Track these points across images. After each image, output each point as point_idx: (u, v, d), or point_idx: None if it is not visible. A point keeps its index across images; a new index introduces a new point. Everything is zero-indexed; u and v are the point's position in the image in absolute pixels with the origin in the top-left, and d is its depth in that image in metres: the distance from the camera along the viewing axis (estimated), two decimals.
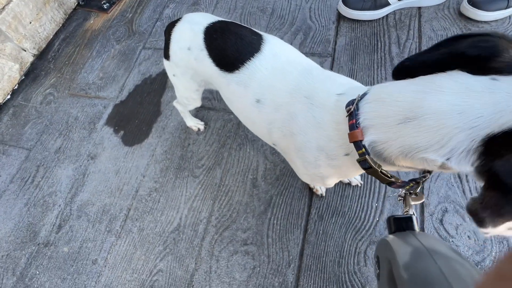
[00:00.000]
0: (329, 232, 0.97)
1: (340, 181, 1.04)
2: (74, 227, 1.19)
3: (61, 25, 1.92)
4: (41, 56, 1.81)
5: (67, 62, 1.74)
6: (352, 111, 0.45)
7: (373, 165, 0.44)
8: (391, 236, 0.46)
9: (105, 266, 1.09)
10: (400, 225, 0.47)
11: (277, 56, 0.68)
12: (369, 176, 1.02)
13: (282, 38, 1.44)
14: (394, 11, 1.36)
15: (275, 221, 1.03)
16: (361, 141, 0.44)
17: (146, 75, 1.56)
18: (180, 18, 0.84)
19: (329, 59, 1.32)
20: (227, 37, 0.72)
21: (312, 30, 1.42)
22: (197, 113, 1.35)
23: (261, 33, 0.75)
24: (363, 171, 0.51)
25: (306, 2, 1.53)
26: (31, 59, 1.78)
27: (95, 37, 1.82)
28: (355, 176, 0.62)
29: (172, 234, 1.09)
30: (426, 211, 0.94)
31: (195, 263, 1.03)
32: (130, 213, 1.17)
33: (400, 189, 0.53)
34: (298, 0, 1.55)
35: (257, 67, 0.67)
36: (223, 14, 1.63)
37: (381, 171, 0.44)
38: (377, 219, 0.96)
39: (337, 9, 1.44)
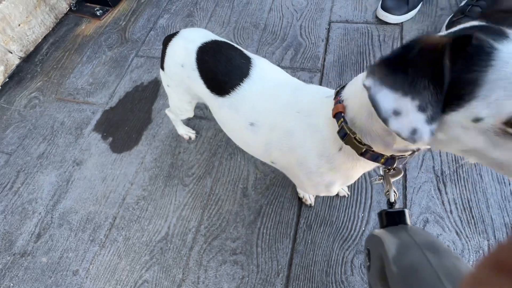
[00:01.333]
0: (317, 241, 0.99)
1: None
2: (54, 236, 1.14)
3: (51, 29, 1.89)
4: (28, 59, 1.77)
5: (55, 66, 1.71)
6: (337, 92, 0.52)
7: (348, 131, 0.47)
8: (382, 230, 0.47)
9: (86, 277, 1.05)
10: (392, 219, 0.48)
11: (265, 79, 0.70)
12: (356, 187, 1.06)
13: (273, 53, 1.50)
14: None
15: (264, 231, 1.04)
16: (341, 112, 0.48)
17: (138, 83, 1.56)
18: (177, 32, 0.85)
19: (318, 74, 1.38)
20: (217, 60, 0.73)
21: (303, 47, 1.49)
22: (188, 121, 1.36)
23: (251, 55, 0.75)
24: (361, 170, 0.56)
25: (297, 20, 1.61)
26: (17, 61, 1.73)
27: (86, 43, 1.80)
28: (355, 178, 0.64)
29: (159, 244, 1.07)
30: (409, 221, 0.98)
31: (183, 273, 1.01)
32: (116, 221, 1.14)
33: (381, 168, 0.55)
34: (289, 17, 1.62)
35: (247, 92, 0.68)
36: (216, 27, 1.68)
37: (355, 138, 0.46)
38: (363, 228, 1.00)
39: (376, 16, 1.52)
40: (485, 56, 0.30)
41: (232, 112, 0.71)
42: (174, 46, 0.81)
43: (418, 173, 1.05)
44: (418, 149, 0.48)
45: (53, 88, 1.62)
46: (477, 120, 0.31)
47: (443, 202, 0.99)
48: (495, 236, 0.91)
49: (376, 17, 1.51)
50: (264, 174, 1.16)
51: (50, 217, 1.19)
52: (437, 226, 0.96)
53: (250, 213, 1.08)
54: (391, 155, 0.47)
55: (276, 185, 1.12)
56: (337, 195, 1.06)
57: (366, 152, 0.47)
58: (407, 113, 0.31)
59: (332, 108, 0.51)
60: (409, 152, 0.48)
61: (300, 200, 1.07)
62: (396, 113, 0.32)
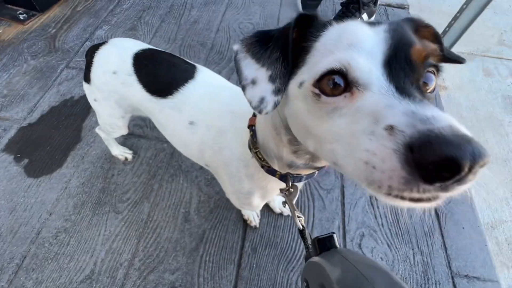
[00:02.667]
0: (262, 265, 0.96)
1: (273, 212, 1.06)
2: None
3: None
4: None
5: None
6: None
7: (251, 145, 0.51)
8: (318, 257, 0.48)
9: None
10: (324, 244, 0.50)
11: (209, 82, 0.73)
12: (300, 206, 1.08)
13: (220, 73, 1.49)
14: None
15: (207, 258, 0.97)
16: (253, 125, 0.52)
17: (67, 96, 1.38)
18: (104, 42, 0.80)
19: None
20: (159, 64, 0.74)
21: None
22: (125, 141, 1.24)
23: (193, 63, 0.78)
24: (275, 184, 0.58)
25: None
26: None
27: (3, 49, 1.56)
28: (273, 194, 0.65)
29: (82, 285, 0.91)
30: (348, 236, 1.03)
31: None
32: (24, 262, 0.94)
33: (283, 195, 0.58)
34: (236, 39, 1.66)
35: (191, 92, 0.70)
36: (162, 43, 1.62)
37: (256, 153, 0.50)
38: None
39: None
40: (320, 28, 0.34)
41: (174, 113, 0.71)
42: (104, 54, 0.78)
43: (354, 189, 1.13)
44: (316, 168, 0.51)
45: None
46: (300, 85, 0.33)
47: (375, 216, 1.07)
48: (418, 245, 1.01)
49: None
50: (208, 196, 1.10)
51: None
52: (372, 240, 1.03)
53: (192, 240, 1.00)
54: (285, 173, 0.51)
55: (221, 207, 1.08)
56: (282, 214, 1.06)
57: (264, 166, 0.52)
58: (260, 82, 0.34)
59: (250, 118, 0.54)
60: (306, 171, 0.51)
61: (245, 222, 1.04)
62: (254, 82, 0.34)
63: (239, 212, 1.05)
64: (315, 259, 0.49)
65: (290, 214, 1.05)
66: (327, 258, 0.47)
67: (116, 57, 0.76)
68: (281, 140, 0.46)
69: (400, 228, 1.05)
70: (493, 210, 1.48)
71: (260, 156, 0.51)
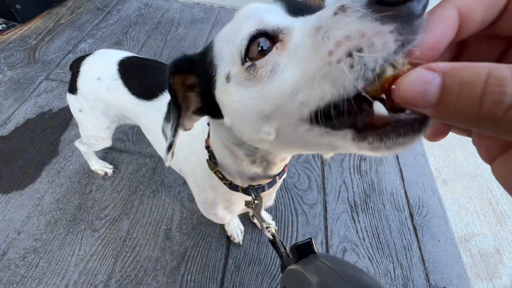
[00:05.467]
0: (246, 283, 0.94)
1: (257, 228, 1.06)
2: None
3: None
4: None
5: None
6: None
7: (209, 165, 0.52)
8: (296, 265, 0.48)
9: None
10: (303, 251, 0.50)
11: None
12: (283, 221, 1.09)
13: None
14: None
15: (189, 277, 0.94)
16: (208, 147, 0.53)
17: (45, 109, 1.34)
18: (89, 54, 0.83)
19: None
20: (144, 69, 0.77)
21: None
22: (106, 155, 1.20)
23: None
24: (239, 196, 0.58)
25: None
26: None
27: None
28: (238, 207, 0.65)
29: None
30: (330, 251, 1.04)
31: None
32: None
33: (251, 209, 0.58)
34: None
35: None
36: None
37: (215, 172, 0.52)
38: None
39: None
40: (211, 42, 0.37)
41: (158, 115, 0.72)
42: (89, 63, 0.80)
43: (336, 204, 1.15)
44: (273, 176, 0.52)
45: None
46: (228, 78, 0.32)
47: (357, 231, 1.10)
48: (397, 259, 1.04)
49: None
50: (191, 212, 1.08)
51: None
52: (354, 254, 1.04)
53: (173, 258, 0.97)
54: (247, 186, 0.52)
55: (204, 223, 1.06)
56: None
57: (226, 183, 0.52)
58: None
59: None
60: (266, 180, 0.52)
61: (228, 239, 1.02)
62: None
63: (222, 229, 1.04)
64: (294, 266, 0.49)
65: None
66: (307, 264, 0.47)
67: (101, 64, 0.79)
68: (238, 156, 0.45)
69: (380, 242, 1.07)
70: (465, 224, 1.56)
71: (220, 176, 0.52)
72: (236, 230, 1.01)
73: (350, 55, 0.20)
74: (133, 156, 1.21)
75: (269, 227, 0.56)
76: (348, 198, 1.17)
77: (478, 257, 1.44)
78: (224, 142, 0.45)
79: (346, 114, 0.22)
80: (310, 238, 0.51)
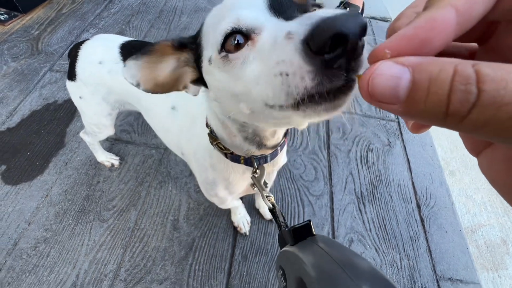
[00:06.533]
0: (253, 272, 0.95)
1: (263, 219, 1.06)
2: None
3: None
4: None
5: None
6: None
7: (210, 138, 0.53)
8: (293, 247, 0.48)
9: None
10: (300, 233, 0.51)
11: None
12: (290, 212, 1.09)
13: None
14: None
15: (197, 267, 0.95)
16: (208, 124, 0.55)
17: (50, 100, 1.33)
18: (86, 39, 0.82)
19: None
20: None
21: None
22: (112, 146, 1.20)
23: None
24: (238, 175, 0.60)
25: None
26: None
27: None
28: (237, 187, 0.65)
29: None
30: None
31: None
32: None
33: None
34: None
35: None
36: None
37: (217, 144, 0.53)
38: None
39: None
40: (202, 24, 0.40)
41: (160, 97, 0.71)
42: (89, 47, 0.79)
43: (343, 195, 1.15)
44: (273, 147, 0.53)
45: None
46: (209, 61, 0.37)
47: (363, 222, 1.09)
48: (404, 250, 1.04)
49: None
50: (198, 203, 1.08)
51: None
52: (360, 245, 1.04)
53: (181, 248, 0.98)
54: (249, 156, 0.53)
55: (211, 214, 1.06)
56: (272, 221, 1.06)
57: (228, 154, 0.53)
58: None
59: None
60: (268, 151, 0.54)
61: (235, 230, 1.03)
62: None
63: (229, 219, 1.04)
64: (291, 248, 0.49)
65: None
66: (303, 247, 0.47)
67: (102, 48, 0.78)
68: (231, 131, 0.49)
69: (387, 233, 1.07)
70: (472, 215, 1.55)
71: (221, 146, 0.53)
72: (242, 220, 1.02)
73: (281, 74, 0.27)
74: (139, 147, 1.21)
75: (269, 196, 0.57)
76: (355, 189, 1.16)
77: (484, 248, 1.43)
78: (218, 115, 0.49)
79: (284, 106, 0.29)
80: (309, 220, 0.52)
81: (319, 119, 0.30)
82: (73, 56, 0.79)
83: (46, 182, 1.09)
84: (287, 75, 0.26)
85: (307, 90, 0.25)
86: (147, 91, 0.44)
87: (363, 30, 0.22)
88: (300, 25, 0.25)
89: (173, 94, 0.70)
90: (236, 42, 0.32)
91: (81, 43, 0.80)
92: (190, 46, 0.42)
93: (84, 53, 0.78)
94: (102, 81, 0.77)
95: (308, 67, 0.24)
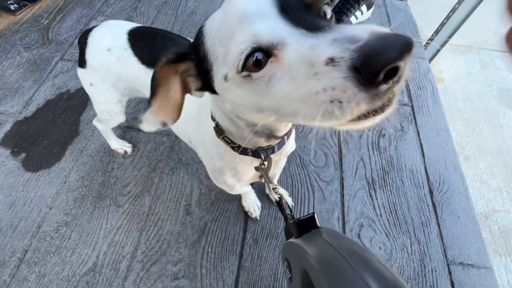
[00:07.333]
0: (264, 255, 0.98)
1: (273, 203, 1.08)
2: None
3: None
4: None
5: None
6: None
7: (216, 132, 0.53)
8: (298, 239, 0.49)
9: None
10: (305, 225, 0.51)
11: None
12: (300, 197, 1.10)
13: None
14: None
15: (209, 249, 0.99)
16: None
17: (63, 90, 1.36)
18: (95, 26, 0.81)
19: None
20: (154, 38, 0.75)
21: None
22: (124, 134, 1.23)
23: (189, 39, 0.78)
24: (245, 165, 0.60)
25: None
26: None
27: None
28: (245, 175, 0.65)
29: (85, 277, 0.92)
30: (347, 227, 1.05)
31: None
32: (26, 256, 0.94)
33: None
34: None
35: None
36: None
37: (223, 137, 0.53)
38: None
39: None
40: (200, 33, 0.37)
41: None
42: (98, 34, 0.79)
43: (353, 181, 1.14)
44: (281, 137, 0.53)
45: None
46: (225, 78, 0.35)
47: (374, 207, 1.09)
48: (415, 235, 1.04)
49: None
50: (209, 189, 1.11)
51: None
52: (370, 230, 1.05)
53: (194, 232, 1.01)
54: (256, 148, 0.53)
55: (222, 199, 1.08)
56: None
57: (235, 148, 0.53)
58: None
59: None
60: (276, 141, 0.53)
61: (246, 214, 1.05)
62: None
63: (240, 204, 1.06)
64: (297, 240, 0.50)
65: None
66: (307, 239, 0.48)
67: (110, 35, 0.77)
68: (239, 126, 0.48)
69: (398, 218, 1.07)
70: (487, 200, 1.52)
71: (228, 140, 0.53)
72: (253, 205, 1.03)
73: (331, 101, 0.26)
74: (151, 135, 1.23)
75: (276, 188, 0.58)
76: (365, 175, 1.16)
77: (498, 233, 1.41)
78: (226, 113, 0.48)
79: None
80: (313, 213, 0.52)
81: (359, 129, 0.31)
82: (82, 43, 0.79)
83: (64, 169, 1.13)
84: (340, 102, 0.26)
85: (361, 112, 0.26)
86: (176, 121, 0.43)
87: (410, 50, 0.23)
88: (341, 49, 0.25)
89: None
90: (255, 58, 0.30)
91: (90, 29, 0.80)
92: (190, 57, 0.39)
93: (93, 40, 0.78)
94: (111, 68, 0.77)
95: (363, 94, 0.25)
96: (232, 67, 0.32)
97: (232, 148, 0.53)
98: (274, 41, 0.29)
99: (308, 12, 0.31)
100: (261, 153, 0.53)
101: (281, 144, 0.55)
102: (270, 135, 0.50)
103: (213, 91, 0.41)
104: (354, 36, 0.24)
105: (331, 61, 0.25)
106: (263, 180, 0.61)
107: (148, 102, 0.39)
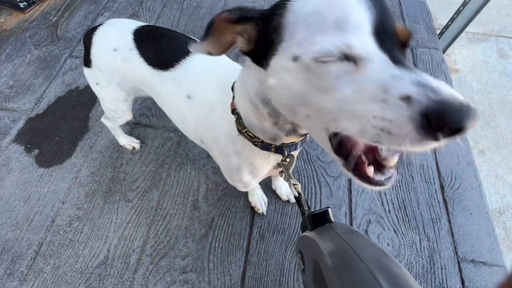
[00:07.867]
0: (270, 250, 0.99)
1: (280, 199, 1.07)
2: None
3: None
4: None
5: None
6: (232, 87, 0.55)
7: (239, 126, 0.53)
8: (312, 232, 0.49)
9: None
10: (319, 219, 0.52)
11: (209, 57, 0.73)
12: (307, 192, 1.09)
13: None
14: None
15: (216, 244, 1.00)
16: (234, 109, 0.53)
17: (72, 86, 1.38)
18: (100, 24, 0.81)
19: None
20: (160, 38, 0.75)
21: None
22: (132, 130, 1.25)
23: (195, 38, 0.78)
24: (263, 160, 0.60)
25: None
26: None
27: (5, 39, 1.55)
28: (262, 171, 0.65)
29: (97, 270, 0.95)
30: (354, 223, 1.04)
31: None
32: (41, 248, 0.98)
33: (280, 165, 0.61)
34: None
35: (191, 65, 0.70)
36: None
37: (246, 132, 0.53)
38: None
39: None
40: (281, 5, 0.36)
41: (175, 86, 0.72)
42: (103, 33, 0.78)
43: None
44: (303, 135, 0.53)
45: None
46: (295, 58, 0.34)
47: (382, 203, 1.08)
48: (424, 231, 1.02)
49: None
50: (216, 184, 1.11)
51: None
52: (378, 226, 1.04)
53: (201, 227, 1.03)
54: (280, 144, 0.53)
55: (229, 195, 1.09)
56: (288, 202, 1.07)
57: (258, 143, 0.53)
58: None
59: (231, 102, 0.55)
60: (298, 138, 0.53)
61: (253, 210, 1.06)
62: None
63: (246, 200, 1.07)
64: (307, 233, 0.51)
65: (291, 201, 1.06)
66: (321, 233, 0.48)
67: (116, 34, 0.77)
68: (262, 114, 0.48)
69: (407, 215, 1.05)
70: (502, 196, 1.47)
71: (251, 135, 0.52)
72: (260, 201, 1.04)
73: (381, 129, 0.28)
74: (158, 130, 1.24)
75: (296, 184, 0.58)
76: None
77: None
78: (251, 96, 0.47)
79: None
80: (328, 207, 0.52)
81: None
82: (87, 42, 0.79)
83: (75, 165, 1.16)
84: (389, 133, 0.28)
85: (402, 148, 0.27)
86: (220, 54, 0.44)
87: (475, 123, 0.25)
88: (423, 94, 0.26)
89: (186, 83, 0.70)
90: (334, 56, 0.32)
91: (95, 28, 0.80)
92: (256, 21, 0.39)
93: (97, 39, 0.78)
94: (116, 68, 0.77)
95: (417, 136, 0.26)
96: (311, 51, 0.32)
97: (255, 143, 0.53)
98: (362, 55, 0.31)
99: (395, 43, 0.33)
100: (285, 150, 0.54)
101: (303, 142, 0.56)
102: (291, 130, 0.50)
103: (259, 61, 0.40)
104: (440, 89, 0.26)
105: (407, 98, 0.27)
106: (283, 175, 0.61)
107: (201, 39, 0.41)
